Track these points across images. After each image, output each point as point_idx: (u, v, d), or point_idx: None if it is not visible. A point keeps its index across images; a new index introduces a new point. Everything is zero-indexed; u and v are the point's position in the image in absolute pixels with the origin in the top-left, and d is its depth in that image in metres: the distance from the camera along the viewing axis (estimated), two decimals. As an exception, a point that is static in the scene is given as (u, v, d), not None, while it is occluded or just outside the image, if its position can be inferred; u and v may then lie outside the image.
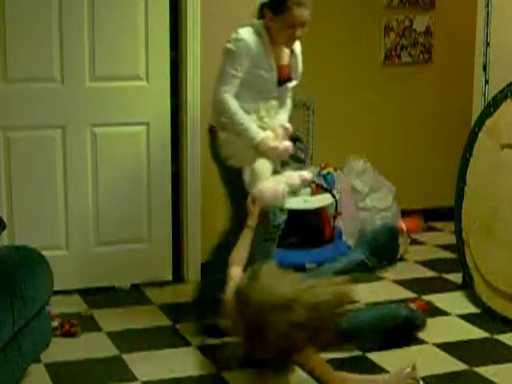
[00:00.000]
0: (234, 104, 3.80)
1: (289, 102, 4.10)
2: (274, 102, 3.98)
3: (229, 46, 3.85)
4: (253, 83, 3.85)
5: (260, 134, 3.81)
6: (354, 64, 5.80)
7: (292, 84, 4.07)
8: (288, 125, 3.98)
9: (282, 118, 4.03)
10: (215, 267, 3.95)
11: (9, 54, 4.31)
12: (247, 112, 3.84)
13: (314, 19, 5.61)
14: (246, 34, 3.83)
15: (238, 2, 4.70)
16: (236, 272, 3.38)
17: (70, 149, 4.50)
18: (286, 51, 3.99)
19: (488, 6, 4.56)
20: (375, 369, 3.72)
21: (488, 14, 4.56)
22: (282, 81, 3.99)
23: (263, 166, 3.83)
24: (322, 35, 5.66)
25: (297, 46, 4.05)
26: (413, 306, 4.28)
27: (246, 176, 3.82)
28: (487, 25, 4.58)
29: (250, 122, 3.82)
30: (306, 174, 3.97)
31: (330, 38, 5.70)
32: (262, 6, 3.93)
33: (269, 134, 3.86)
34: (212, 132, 3.99)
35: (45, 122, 4.46)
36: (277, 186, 3.78)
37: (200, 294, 4.12)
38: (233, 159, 3.89)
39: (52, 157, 4.48)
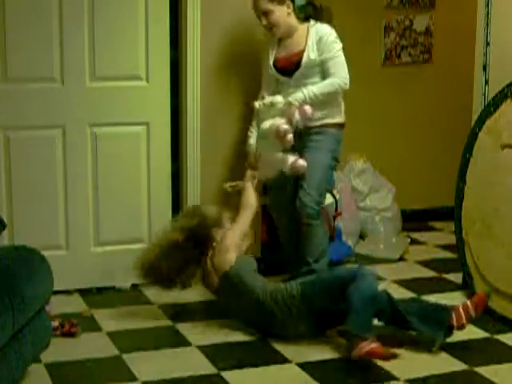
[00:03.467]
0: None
1: (321, 83, 4.40)
2: (291, 90, 4.40)
3: None
4: (269, 77, 4.51)
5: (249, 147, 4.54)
6: (353, 64, 5.77)
7: (299, 71, 4.41)
8: (291, 99, 4.33)
9: (294, 94, 4.35)
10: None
11: (9, 54, 4.31)
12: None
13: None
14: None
15: (239, 2, 4.70)
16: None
17: (69, 149, 4.50)
18: (300, 39, 4.41)
19: (488, 5, 4.56)
20: (375, 369, 3.72)
21: (488, 13, 4.57)
22: (288, 71, 4.43)
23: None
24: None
25: (314, 27, 4.41)
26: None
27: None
28: (487, 25, 4.58)
29: (250, 133, 4.53)
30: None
31: (330, 38, 5.70)
32: None
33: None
34: None
35: (45, 122, 4.46)
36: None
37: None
38: None
39: (52, 157, 4.48)
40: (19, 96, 4.38)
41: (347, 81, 4.44)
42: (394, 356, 3.67)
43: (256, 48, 4.76)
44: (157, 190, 4.68)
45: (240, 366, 3.71)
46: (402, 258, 5.31)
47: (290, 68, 4.44)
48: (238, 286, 4.02)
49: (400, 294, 4.68)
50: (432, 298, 4.58)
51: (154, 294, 4.61)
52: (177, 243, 4.08)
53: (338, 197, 5.28)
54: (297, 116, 4.28)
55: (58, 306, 4.22)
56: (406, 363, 3.78)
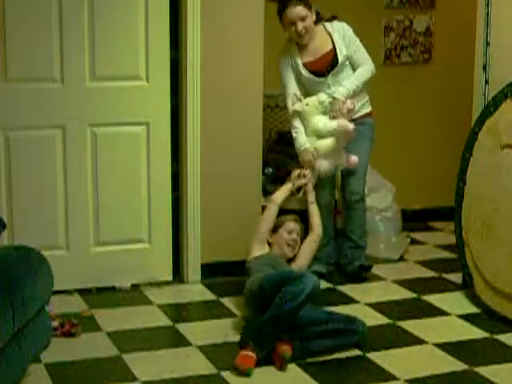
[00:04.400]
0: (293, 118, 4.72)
1: (350, 76, 4.73)
2: (330, 90, 4.69)
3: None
4: (304, 82, 4.73)
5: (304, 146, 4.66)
6: (353, 64, 5.79)
7: (336, 69, 4.71)
8: (337, 95, 4.63)
9: (338, 90, 4.66)
10: None
11: (9, 53, 4.31)
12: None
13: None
14: (280, 53, 4.77)
15: (238, 1, 4.70)
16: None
17: (70, 149, 4.50)
18: (323, 41, 4.71)
19: (488, 5, 4.56)
20: (375, 369, 3.72)
21: (488, 13, 4.56)
22: (321, 71, 4.71)
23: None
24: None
25: (333, 27, 4.73)
26: None
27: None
28: (487, 25, 4.58)
29: (300, 132, 4.67)
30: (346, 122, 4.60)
31: (330, 38, 5.70)
32: None
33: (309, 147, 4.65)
34: None
35: (45, 122, 4.46)
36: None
37: None
38: None
39: (52, 157, 4.48)
40: (19, 96, 4.38)
41: (373, 66, 4.84)
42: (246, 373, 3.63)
43: (256, 48, 4.76)
44: (157, 189, 4.68)
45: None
46: (402, 258, 5.31)
47: (323, 69, 4.72)
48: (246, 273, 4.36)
49: (400, 294, 4.69)
50: (432, 298, 4.60)
51: (153, 293, 4.62)
52: None
53: (337, 196, 5.28)
54: (345, 109, 4.59)
55: (58, 305, 4.22)
56: (406, 363, 3.79)
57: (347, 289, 4.72)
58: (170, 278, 4.79)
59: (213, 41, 4.66)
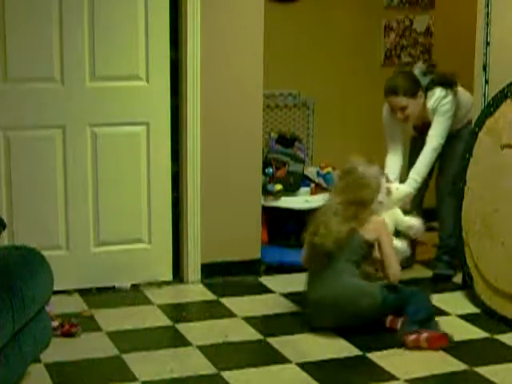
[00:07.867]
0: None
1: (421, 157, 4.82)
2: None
3: None
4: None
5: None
6: (354, 64, 5.79)
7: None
8: (410, 189, 4.79)
9: (409, 185, 4.81)
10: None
11: (9, 53, 4.31)
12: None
13: (315, 19, 5.64)
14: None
15: (238, 1, 4.70)
16: None
17: (69, 149, 4.50)
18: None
19: (488, 5, 4.56)
20: (375, 369, 3.72)
21: (488, 14, 4.56)
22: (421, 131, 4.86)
23: None
24: (323, 35, 5.67)
25: (430, 101, 4.70)
26: None
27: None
28: (487, 25, 4.57)
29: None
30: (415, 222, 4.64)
31: (330, 38, 5.70)
32: None
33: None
34: None
35: (45, 122, 4.46)
36: None
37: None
38: None
39: (52, 157, 4.48)
40: (19, 96, 4.38)
41: (439, 145, 4.76)
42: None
43: (256, 48, 4.76)
44: (157, 190, 4.68)
45: (240, 366, 3.71)
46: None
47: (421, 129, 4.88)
48: None
49: (400, 294, 4.69)
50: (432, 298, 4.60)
51: (153, 293, 4.62)
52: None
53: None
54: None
55: (58, 305, 4.22)
56: (406, 363, 3.79)
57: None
58: (170, 278, 4.79)
59: (213, 41, 4.66)
